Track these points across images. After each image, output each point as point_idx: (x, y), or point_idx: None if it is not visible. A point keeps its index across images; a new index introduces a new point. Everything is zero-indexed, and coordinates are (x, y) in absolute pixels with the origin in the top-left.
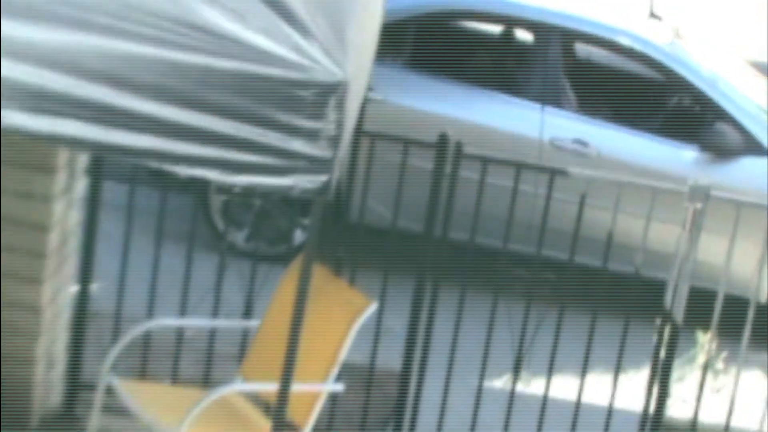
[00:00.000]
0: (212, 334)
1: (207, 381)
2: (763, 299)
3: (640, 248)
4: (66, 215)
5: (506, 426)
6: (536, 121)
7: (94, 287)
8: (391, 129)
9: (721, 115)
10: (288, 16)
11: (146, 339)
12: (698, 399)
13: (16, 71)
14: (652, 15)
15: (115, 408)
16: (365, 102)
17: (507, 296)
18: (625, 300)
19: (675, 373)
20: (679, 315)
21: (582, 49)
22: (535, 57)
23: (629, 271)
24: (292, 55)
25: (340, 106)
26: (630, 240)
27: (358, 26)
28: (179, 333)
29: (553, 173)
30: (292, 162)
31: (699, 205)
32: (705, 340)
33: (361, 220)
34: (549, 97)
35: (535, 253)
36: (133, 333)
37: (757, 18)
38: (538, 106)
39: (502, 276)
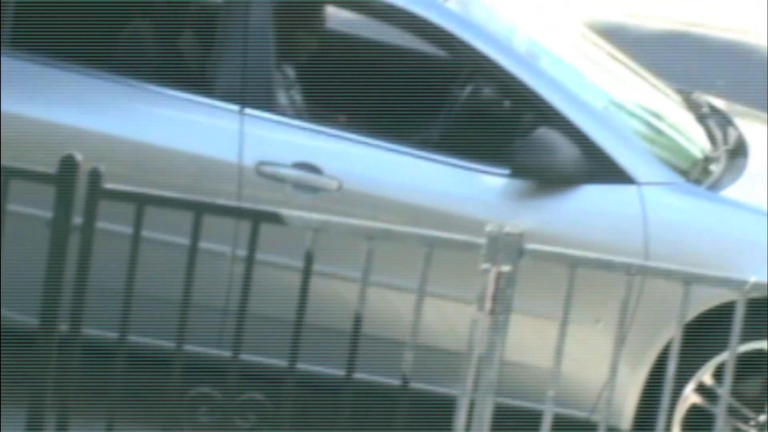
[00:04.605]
0: None
1: None
2: (622, 425)
3: (410, 343)
4: None
5: None
6: (231, 133)
7: None
8: None
9: (547, 114)
10: None
11: None
12: None
13: None
14: None
15: None
16: None
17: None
18: (389, 429)
19: None
20: None
21: None
22: (228, 23)
23: (392, 382)
24: None
25: None
26: (392, 330)
27: None
28: None
29: (258, 219)
30: None
31: (506, 268)
32: None
33: None
34: (252, 93)
35: (231, 356)
36: None
37: None
38: (233, 107)
39: (175, 391)
